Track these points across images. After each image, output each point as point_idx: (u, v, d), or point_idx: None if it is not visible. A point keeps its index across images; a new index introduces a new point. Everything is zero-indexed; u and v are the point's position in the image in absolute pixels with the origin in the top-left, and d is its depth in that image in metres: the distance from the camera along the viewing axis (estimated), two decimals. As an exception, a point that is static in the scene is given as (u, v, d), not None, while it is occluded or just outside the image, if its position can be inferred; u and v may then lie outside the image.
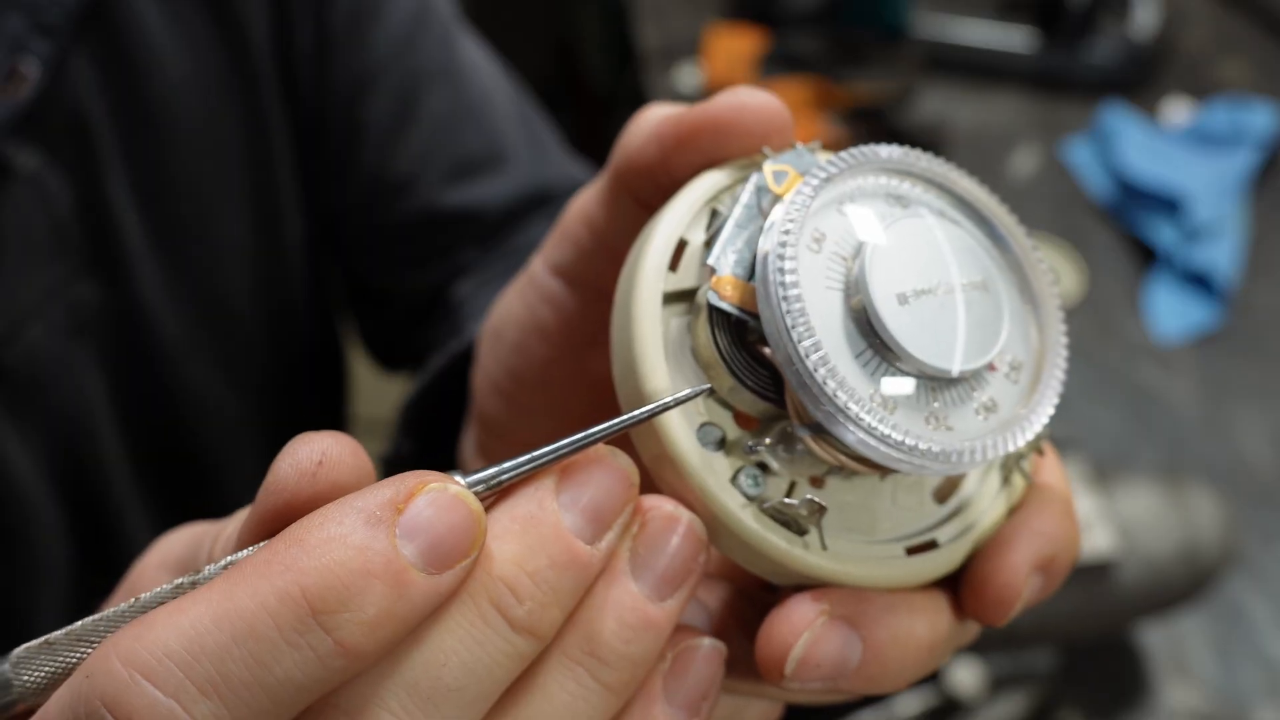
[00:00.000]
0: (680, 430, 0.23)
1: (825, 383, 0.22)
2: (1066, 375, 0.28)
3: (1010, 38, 1.42)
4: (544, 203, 0.68)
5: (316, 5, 0.60)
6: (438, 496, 0.22)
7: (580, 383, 0.34)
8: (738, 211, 0.25)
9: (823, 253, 0.23)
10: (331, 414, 0.79)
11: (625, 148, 0.29)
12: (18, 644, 0.52)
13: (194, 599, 0.22)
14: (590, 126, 2.23)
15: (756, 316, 0.23)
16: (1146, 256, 1.27)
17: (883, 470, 0.24)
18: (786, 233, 0.23)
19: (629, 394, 0.24)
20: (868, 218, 0.24)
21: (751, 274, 0.24)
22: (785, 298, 0.22)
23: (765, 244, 0.23)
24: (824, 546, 0.23)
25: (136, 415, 0.59)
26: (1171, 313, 1.22)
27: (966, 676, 0.84)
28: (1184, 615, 0.99)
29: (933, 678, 0.84)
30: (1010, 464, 0.27)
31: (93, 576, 0.59)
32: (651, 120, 0.29)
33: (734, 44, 1.42)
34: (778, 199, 0.24)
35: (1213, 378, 1.18)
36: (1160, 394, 1.16)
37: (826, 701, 0.27)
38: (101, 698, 0.21)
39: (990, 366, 0.26)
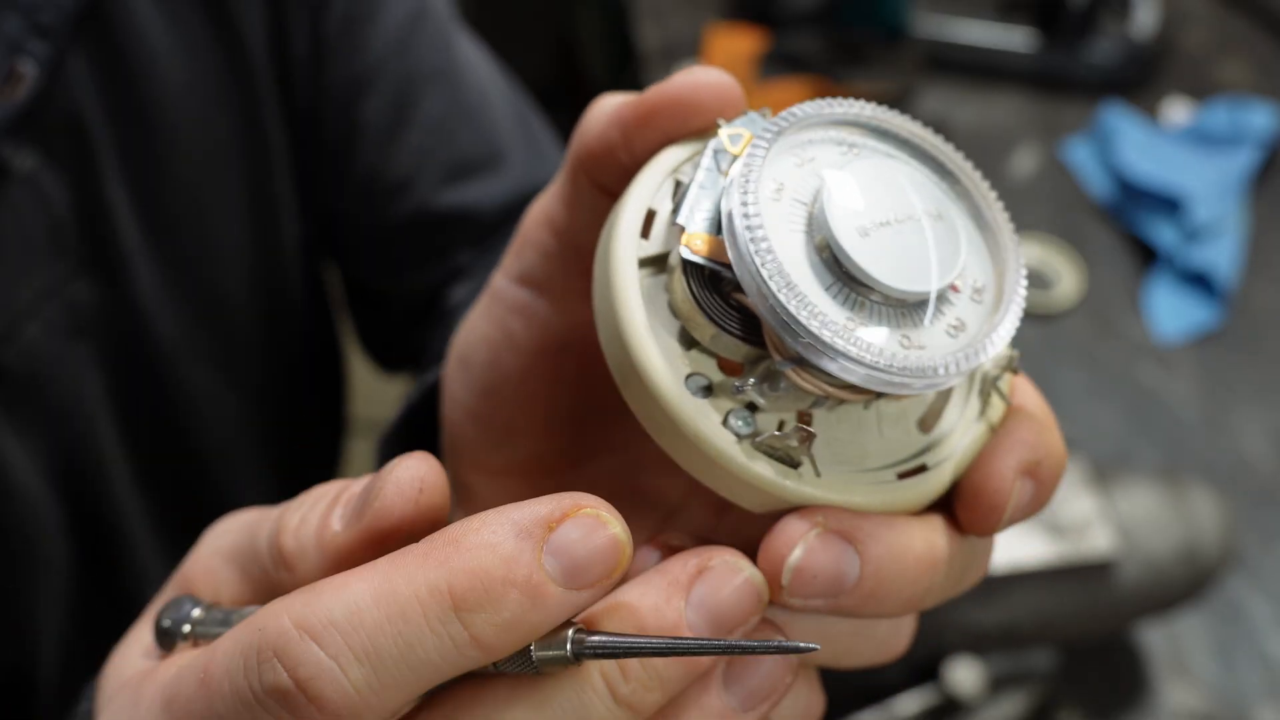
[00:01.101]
0: (667, 381, 0.24)
1: (799, 314, 0.23)
2: (1027, 303, 0.28)
3: (1010, 38, 1.42)
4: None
5: (313, 7, 0.60)
6: (588, 521, 0.24)
7: (559, 388, 0.34)
8: (700, 175, 0.26)
9: (783, 201, 0.25)
10: (331, 415, 0.79)
11: (584, 136, 0.30)
12: (16, 641, 0.51)
13: (357, 576, 0.25)
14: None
15: (728, 266, 0.25)
16: (1146, 256, 1.27)
17: (866, 396, 0.25)
18: (746, 181, 0.24)
19: (617, 356, 0.25)
20: (821, 162, 0.25)
21: (718, 229, 0.25)
22: (753, 239, 0.23)
23: (731, 198, 0.25)
24: (817, 474, 0.25)
25: (136, 414, 0.59)
26: (1171, 313, 1.22)
27: (966, 676, 0.84)
28: (1184, 615, 0.99)
29: (933, 678, 0.84)
30: (987, 387, 0.27)
31: (93, 574, 0.59)
32: (609, 106, 0.30)
33: (733, 44, 1.42)
34: (735, 158, 0.26)
35: (1213, 378, 1.18)
36: (1160, 394, 1.16)
37: (841, 637, 0.30)
38: (273, 649, 0.24)
39: (954, 288, 0.26)
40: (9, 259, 0.50)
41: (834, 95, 0.30)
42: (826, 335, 0.23)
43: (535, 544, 0.24)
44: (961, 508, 0.27)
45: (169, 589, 0.33)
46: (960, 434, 0.27)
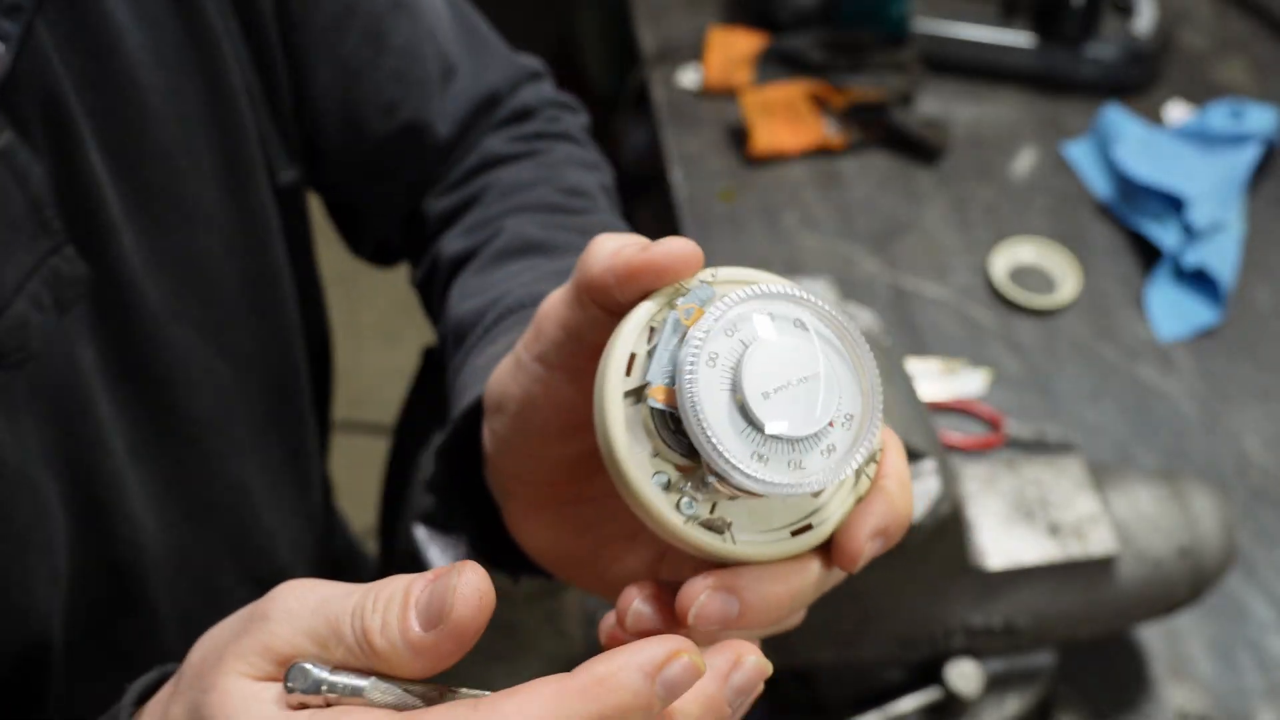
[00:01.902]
0: (644, 482, 0.38)
1: (715, 454, 0.36)
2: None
3: (1010, 38, 1.42)
4: (491, 106, 0.75)
5: None
6: (683, 660, 0.35)
7: (572, 429, 0.45)
8: (662, 340, 0.38)
9: (716, 367, 0.37)
10: (321, 381, 0.80)
11: (587, 272, 0.41)
12: (24, 625, 0.51)
13: (528, 700, 0.34)
14: (592, 127, 2.23)
15: (676, 410, 0.37)
16: (1146, 256, 1.27)
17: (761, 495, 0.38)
18: (692, 359, 0.37)
19: (609, 463, 0.38)
20: (736, 340, 0.37)
21: (673, 381, 0.37)
22: (691, 402, 0.36)
23: (680, 363, 0.37)
24: (734, 540, 0.39)
25: (128, 385, 0.60)
26: (1171, 313, 1.22)
27: (966, 676, 0.84)
28: (1184, 615, 0.99)
29: (934, 677, 0.84)
30: (860, 471, 0.41)
31: (90, 549, 0.60)
32: (606, 252, 0.40)
33: (733, 44, 1.42)
34: (687, 329, 0.38)
35: (1213, 378, 1.18)
36: (1160, 394, 1.16)
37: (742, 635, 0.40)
38: None
39: (830, 424, 0.38)
40: None
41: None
42: (731, 468, 0.36)
43: (652, 680, 0.34)
44: (834, 554, 0.41)
45: (252, 658, 0.39)
46: (838, 503, 0.40)
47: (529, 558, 0.52)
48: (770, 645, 0.81)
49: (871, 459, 0.41)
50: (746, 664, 0.38)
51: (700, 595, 0.38)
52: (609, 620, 0.41)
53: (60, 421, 0.56)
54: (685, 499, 0.38)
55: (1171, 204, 1.27)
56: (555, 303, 0.43)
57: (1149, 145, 1.31)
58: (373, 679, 0.38)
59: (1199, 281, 1.24)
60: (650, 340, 0.39)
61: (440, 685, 0.38)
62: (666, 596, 0.40)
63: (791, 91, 1.34)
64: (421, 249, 0.75)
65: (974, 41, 1.42)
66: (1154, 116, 1.40)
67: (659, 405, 0.37)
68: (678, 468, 0.38)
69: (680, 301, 0.39)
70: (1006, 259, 1.26)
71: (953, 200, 1.32)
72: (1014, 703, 0.87)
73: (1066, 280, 1.24)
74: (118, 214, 0.56)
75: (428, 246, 0.74)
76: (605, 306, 0.41)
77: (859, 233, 1.28)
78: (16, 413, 0.53)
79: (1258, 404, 1.16)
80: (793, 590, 0.40)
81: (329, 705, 0.37)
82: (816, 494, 0.40)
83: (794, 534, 0.39)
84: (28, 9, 0.50)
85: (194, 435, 0.64)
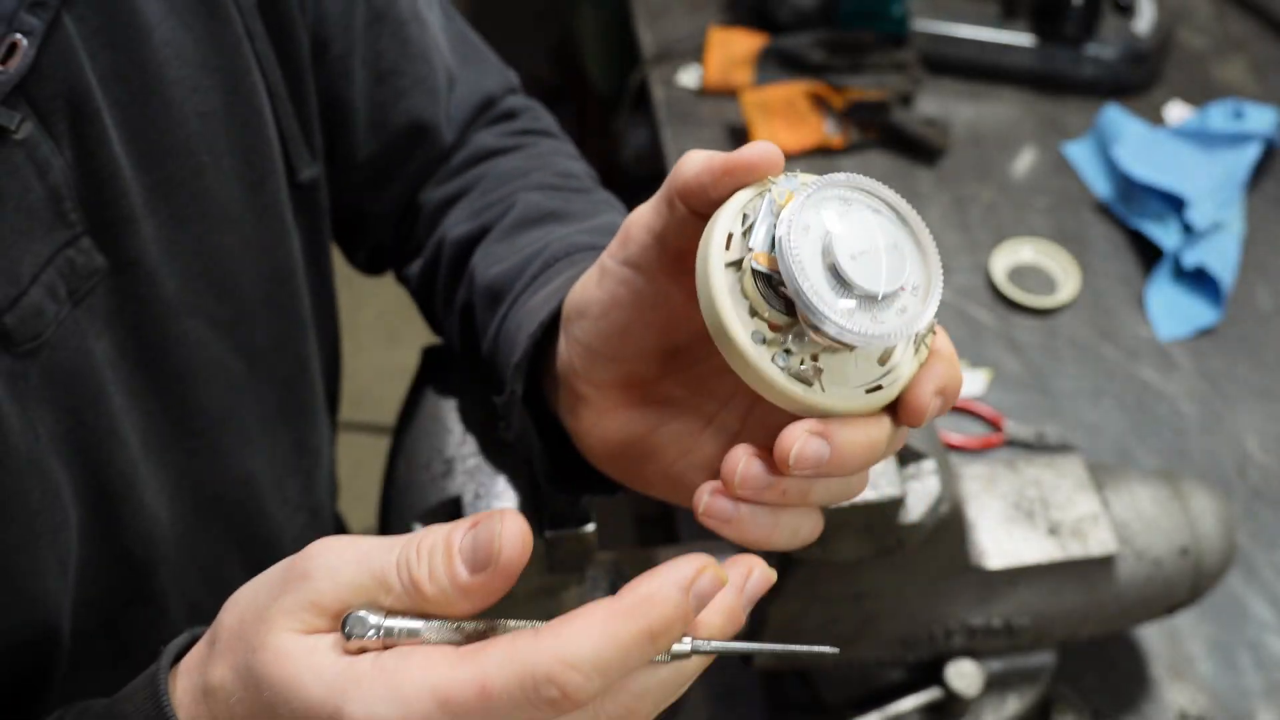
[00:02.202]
0: (744, 337, 0.43)
1: (815, 304, 0.42)
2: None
3: (1010, 38, 1.42)
4: (486, 109, 0.79)
5: None
6: (710, 574, 0.41)
7: (648, 331, 0.51)
8: (762, 214, 0.44)
9: (809, 236, 0.43)
10: (329, 377, 0.81)
11: (681, 176, 0.46)
12: (36, 610, 0.51)
13: (586, 625, 0.39)
14: (592, 126, 2.23)
15: (777, 273, 0.42)
16: (1147, 256, 1.27)
17: (850, 347, 0.43)
18: (790, 225, 0.42)
19: (712, 323, 0.43)
20: (830, 215, 0.43)
21: (772, 248, 0.43)
22: (793, 260, 0.42)
23: (779, 232, 0.42)
24: (822, 389, 0.43)
25: (141, 376, 0.61)
26: (1171, 312, 1.22)
27: (966, 676, 0.84)
28: (1184, 615, 0.99)
29: (934, 677, 0.84)
30: (919, 342, 0.46)
31: (99, 537, 0.60)
32: (701, 158, 0.45)
33: (733, 45, 1.42)
34: (782, 207, 0.43)
35: (1213, 377, 1.18)
36: (1160, 394, 1.16)
37: (823, 493, 0.46)
38: (549, 677, 0.38)
39: (902, 288, 0.44)
40: (9, 224, 0.51)
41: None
42: (828, 316, 0.41)
43: (688, 593, 0.40)
44: (900, 410, 0.45)
45: (300, 615, 0.42)
46: (903, 367, 0.46)
47: (590, 480, 0.58)
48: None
49: (930, 330, 0.46)
50: (756, 574, 0.44)
51: (798, 440, 0.42)
52: (706, 490, 0.45)
53: (73, 411, 0.56)
54: (779, 353, 0.43)
55: (1171, 204, 1.27)
56: (644, 212, 0.48)
57: (1149, 145, 1.31)
58: (426, 620, 0.42)
59: (1199, 281, 1.24)
60: (744, 224, 0.44)
61: (489, 620, 0.42)
62: (765, 456, 0.44)
63: (791, 91, 1.34)
64: (413, 240, 0.77)
65: (974, 41, 1.42)
66: (1154, 116, 1.40)
67: (761, 268, 0.43)
68: (772, 326, 0.43)
69: (774, 187, 0.44)
70: (1006, 259, 1.26)
71: (953, 200, 1.32)
72: (1014, 703, 0.87)
73: (1066, 280, 1.24)
74: (138, 206, 0.57)
75: (423, 238, 0.76)
76: (696, 208, 0.46)
77: (859, 233, 1.28)
78: (29, 401, 0.54)
79: (1258, 404, 1.16)
80: (872, 440, 0.44)
81: (386, 649, 0.41)
82: (884, 360, 0.45)
83: (868, 392, 0.45)
84: (53, 4, 0.51)
85: (205, 428, 0.65)
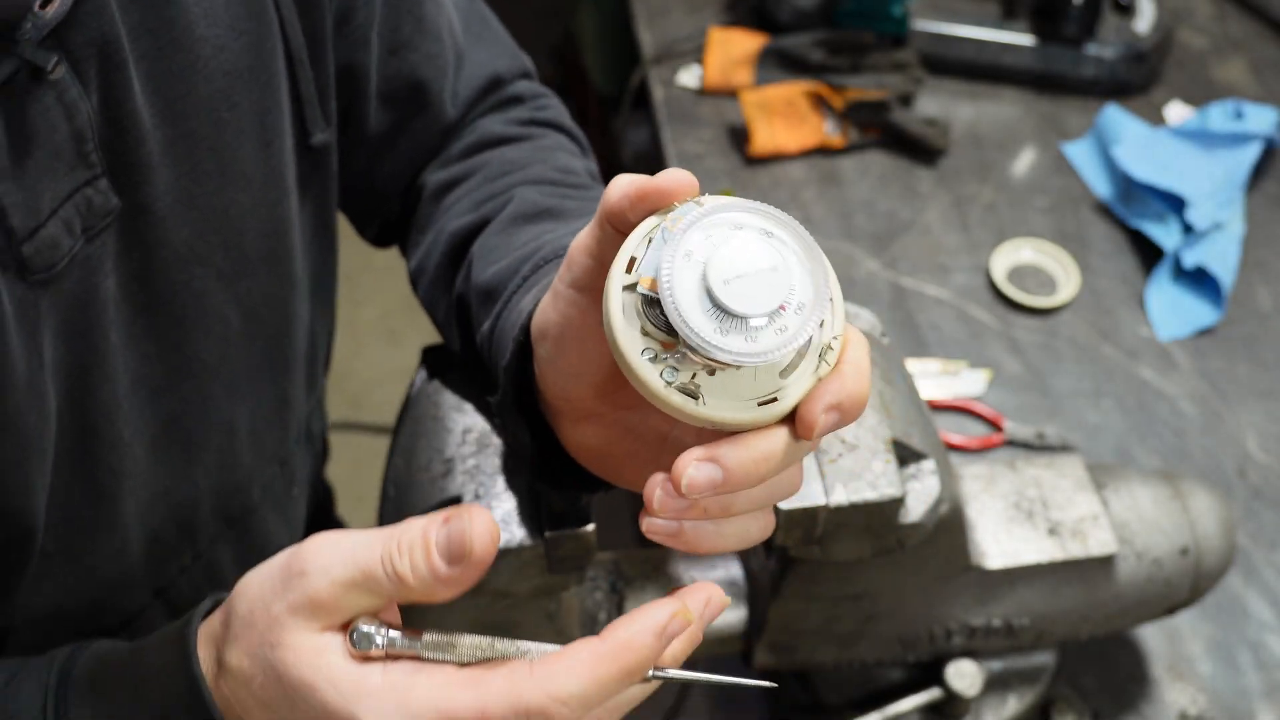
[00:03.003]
0: (635, 354, 0.46)
1: (685, 327, 0.44)
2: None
3: (1010, 38, 1.42)
4: (493, 89, 0.81)
5: None
6: (682, 619, 0.47)
7: (603, 347, 0.51)
8: (655, 242, 0.47)
9: (691, 261, 0.45)
10: (326, 335, 0.84)
11: (608, 201, 0.48)
12: (6, 519, 0.60)
13: (573, 665, 0.45)
14: (592, 126, 2.23)
15: (659, 295, 0.45)
16: (1147, 256, 1.27)
17: (728, 365, 0.45)
18: (671, 255, 0.45)
19: (610, 341, 0.46)
20: (714, 241, 0.45)
21: (657, 274, 0.45)
22: (668, 288, 0.44)
23: (661, 260, 0.45)
24: (704, 403, 0.46)
25: (142, 319, 0.64)
26: (1171, 312, 1.22)
27: (966, 676, 0.84)
28: (1184, 615, 0.99)
29: (934, 677, 0.84)
30: (823, 356, 0.47)
31: (74, 468, 0.63)
32: (623, 184, 0.48)
33: (733, 45, 1.42)
34: (671, 234, 0.46)
35: (1213, 377, 1.18)
36: (1160, 394, 1.16)
37: (746, 501, 0.48)
38: (540, 711, 0.44)
39: (782, 308, 0.45)
40: (35, 160, 0.55)
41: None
42: (699, 341, 0.44)
43: (661, 638, 0.46)
44: (795, 424, 0.47)
45: (305, 613, 0.47)
46: (801, 382, 0.47)
47: (580, 478, 0.61)
48: (771, 645, 0.81)
49: (829, 346, 0.47)
50: (714, 602, 0.49)
51: (688, 468, 0.45)
52: (647, 502, 0.49)
53: (72, 342, 0.59)
54: (666, 369, 0.46)
55: (1171, 204, 1.27)
56: (583, 235, 0.51)
57: (1149, 145, 1.31)
58: (426, 636, 0.47)
59: (1199, 281, 1.24)
60: (646, 247, 0.47)
61: (487, 637, 0.47)
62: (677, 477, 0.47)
63: (791, 91, 1.34)
64: (415, 220, 0.80)
65: (974, 41, 1.42)
66: (1154, 116, 1.40)
67: (646, 292, 0.46)
68: (662, 345, 0.46)
69: (670, 215, 0.47)
70: (1006, 259, 1.26)
71: (953, 200, 1.32)
72: (1014, 703, 0.87)
73: (1066, 280, 1.24)
74: (156, 155, 0.60)
75: (424, 220, 0.78)
76: (620, 229, 0.48)
77: (859, 232, 1.28)
78: (35, 328, 0.57)
79: (1258, 404, 1.16)
80: (764, 454, 0.46)
81: (389, 658, 0.47)
82: (785, 373, 0.47)
83: (760, 405, 0.46)
84: None
85: (194, 374, 0.68)
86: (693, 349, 0.44)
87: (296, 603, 0.47)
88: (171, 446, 0.69)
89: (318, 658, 0.46)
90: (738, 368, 0.45)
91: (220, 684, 0.51)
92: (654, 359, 0.46)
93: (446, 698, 0.45)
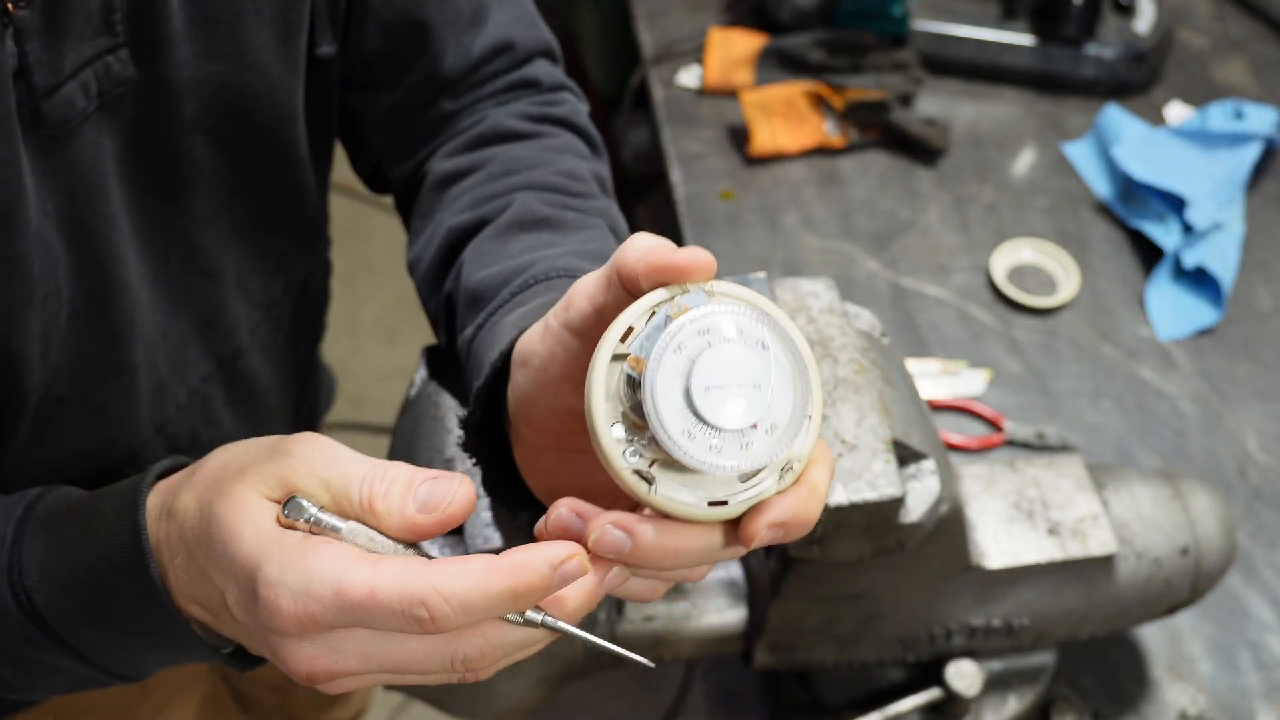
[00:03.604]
0: (604, 424, 0.47)
1: (654, 422, 0.45)
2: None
3: (1010, 38, 1.42)
4: (501, 53, 0.82)
5: None
6: (576, 560, 0.47)
7: (578, 389, 0.52)
8: (654, 323, 0.47)
9: (681, 355, 0.45)
10: (321, 200, 0.87)
11: (623, 259, 0.49)
12: (11, 365, 0.63)
13: (465, 572, 0.46)
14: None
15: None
16: (1147, 256, 1.27)
17: (685, 466, 0.46)
18: (663, 346, 0.45)
19: (585, 405, 0.47)
20: (703, 339, 0.46)
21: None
22: (651, 376, 0.45)
23: (654, 347, 0.45)
24: (655, 492, 0.46)
25: (143, 174, 0.67)
26: (1171, 312, 1.22)
27: (966, 676, 0.84)
28: (1184, 615, 0.99)
29: (934, 677, 0.84)
30: (786, 469, 0.48)
31: (88, 315, 0.67)
32: (642, 246, 0.49)
33: (733, 45, 1.42)
34: (671, 321, 0.46)
35: (1213, 377, 1.18)
36: (1160, 394, 1.16)
37: (642, 578, 0.50)
38: (424, 601, 0.45)
39: (753, 426, 0.46)
40: (65, 22, 0.58)
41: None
42: (666, 439, 0.45)
43: (554, 571, 0.46)
44: (738, 531, 0.48)
45: (270, 481, 0.49)
46: (759, 490, 0.47)
47: (530, 494, 0.62)
48: (771, 645, 0.81)
49: (795, 460, 0.48)
50: (615, 573, 0.49)
51: (599, 529, 0.47)
52: (541, 521, 0.50)
53: (80, 197, 0.63)
54: (631, 449, 0.46)
55: (1171, 204, 1.27)
56: (589, 282, 0.52)
57: (1149, 145, 1.31)
58: (350, 523, 0.48)
59: (1199, 281, 1.24)
60: (649, 321, 0.47)
61: (400, 543, 0.49)
62: (587, 516, 0.48)
63: (791, 91, 1.34)
64: (419, 207, 0.81)
65: (974, 41, 1.42)
66: (1154, 116, 1.40)
67: (631, 371, 0.46)
68: (634, 425, 0.47)
69: (679, 299, 0.48)
70: (1006, 259, 1.26)
71: (953, 200, 1.32)
72: (1014, 703, 0.87)
73: (1066, 280, 1.24)
74: (178, 33, 0.64)
75: (427, 209, 0.80)
76: (630, 290, 0.49)
77: (859, 233, 1.28)
78: (44, 178, 0.60)
79: (1258, 404, 1.16)
80: (679, 547, 0.48)
81: (312, 533, 0.48)
82: (745, 479, 0.47)
83: (711, 505, 0.47)
84: None
85: (186, 226, 0.72)
86: (656, 441, 0.45)
87: (268, 472, 0.49)
88: (165, 290, 0.73)
89: (249, 510, 0.49)
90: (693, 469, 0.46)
91: (160, 526, 0.53)
92: (622, 436, 0.47)
93: (343, 571, 0.46)
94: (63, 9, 0.58)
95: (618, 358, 0.47)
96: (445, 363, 0.77)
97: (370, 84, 0.80)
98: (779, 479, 0.48)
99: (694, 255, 0.48)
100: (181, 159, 0.68)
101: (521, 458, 0.60)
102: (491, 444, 0.62)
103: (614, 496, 0.55)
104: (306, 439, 0.50)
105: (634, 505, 0.54)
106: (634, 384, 0.46)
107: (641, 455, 0.46)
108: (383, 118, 0.82)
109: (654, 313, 0.47)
